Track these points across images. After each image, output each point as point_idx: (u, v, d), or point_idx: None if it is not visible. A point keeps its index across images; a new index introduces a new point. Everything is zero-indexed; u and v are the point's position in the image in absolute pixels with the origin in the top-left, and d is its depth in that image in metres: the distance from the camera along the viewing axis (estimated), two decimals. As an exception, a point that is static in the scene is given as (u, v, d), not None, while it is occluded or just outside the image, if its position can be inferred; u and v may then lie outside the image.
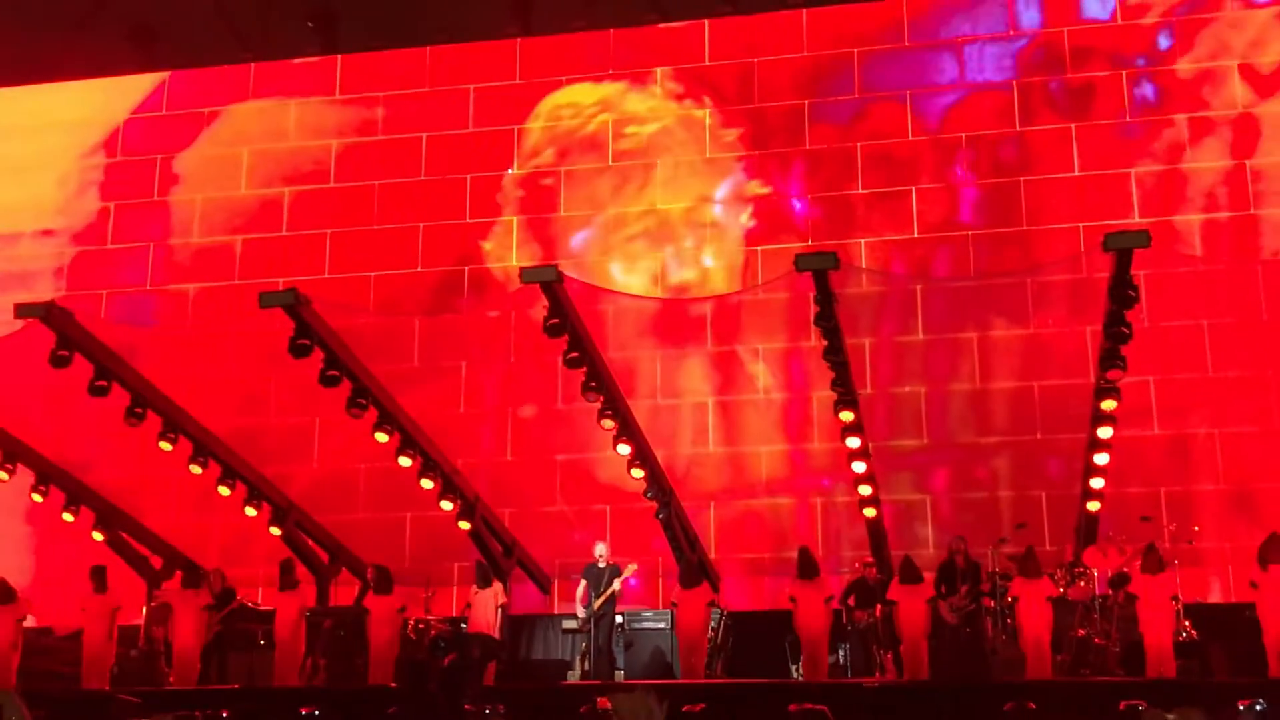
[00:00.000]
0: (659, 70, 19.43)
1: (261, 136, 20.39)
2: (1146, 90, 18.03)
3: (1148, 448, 16.75)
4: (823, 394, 15.69)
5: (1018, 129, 18.22)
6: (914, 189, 18.31)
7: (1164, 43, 18.12)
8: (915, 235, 18.19)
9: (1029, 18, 18.63)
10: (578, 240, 19.18)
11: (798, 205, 18.63)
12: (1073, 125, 18.05)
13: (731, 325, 18.37)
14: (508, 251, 19.27)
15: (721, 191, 18.96)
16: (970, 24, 18.74)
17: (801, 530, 17.29)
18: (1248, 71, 17.75)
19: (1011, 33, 18.62)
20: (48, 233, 20.73)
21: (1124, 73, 18.07)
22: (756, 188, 18.81)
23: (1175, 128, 17.79)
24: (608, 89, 19.53)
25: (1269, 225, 17.30)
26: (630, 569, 15.45)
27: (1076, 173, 17.93)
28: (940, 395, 17.61)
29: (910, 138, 18.48)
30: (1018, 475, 17.20)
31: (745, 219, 18.80)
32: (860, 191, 18.45)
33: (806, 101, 18.86)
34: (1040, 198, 17.91)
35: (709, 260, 18.82)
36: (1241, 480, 16.58)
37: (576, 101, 19.61)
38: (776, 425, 18.05)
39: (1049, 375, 17.27)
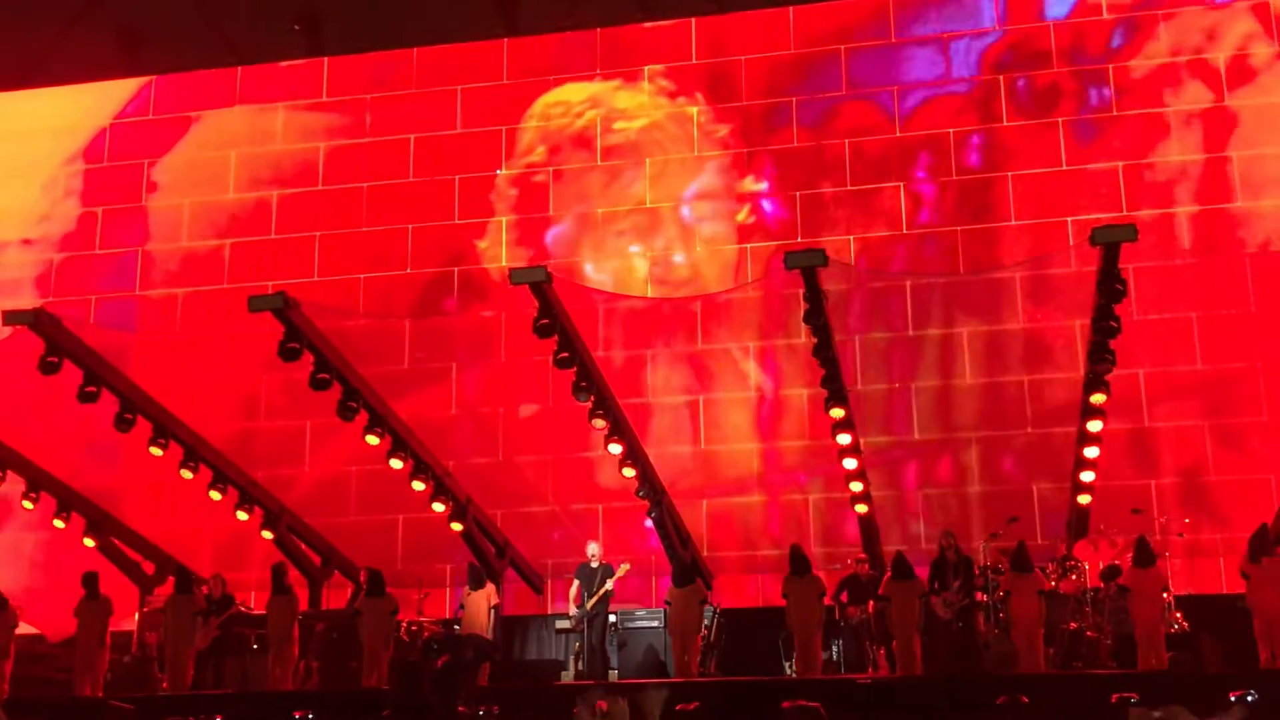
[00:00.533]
0: (647, 69, 19.43)
1: (249, 140, 20.36)
2: (1130, 84, 18.06)
3: (1138, 441, 16.80)
4: (813, 391, 15.71)
5: (1004, 123, 18.24)
6: (902, 186, 18.33)
7: (1147, 37, 18.14)
8: (905, 231, 18.22)
9: (1013, 13, 18.66)
10: (566, 239, 19.17)
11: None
12: (1059, 120, 18.08)
13: (721, 323, 18.38)
14: (498, 251, 19.27)
15: (710, 188, 18.96)
16: (956, 19, 18.77)
17: (793, 527, 17.31)
18: (1231, 64, 17.81)
19: (997, 28, 18.65)
20: (34, 239, 20.68)
21: (1110, 67, 18.11)
22: (749, 184, 18.80)
23: (1161, 121, 17.83)
24: (598, 87, 19.53)
25: (1254, 217, 17.34)
26: (623, 568, 15.46)
27: (1064, 167, 17.96)
28: (930, 390, 17.64)
29: (899, 134, 18.51)
30: (1008, 469, 17.24)
31: (735, 216, 18.81)
32: (849, 188, 18.46)
33: (794, 99, 18.88)
34: (1026, 192, 17.94)
35: (699, 258, 18.82)
36: (1231, 472, 16.62)
37: (566, 100, 19.61)
38: (767, 422, 18.06)
39: (1039, 369, 17.30)
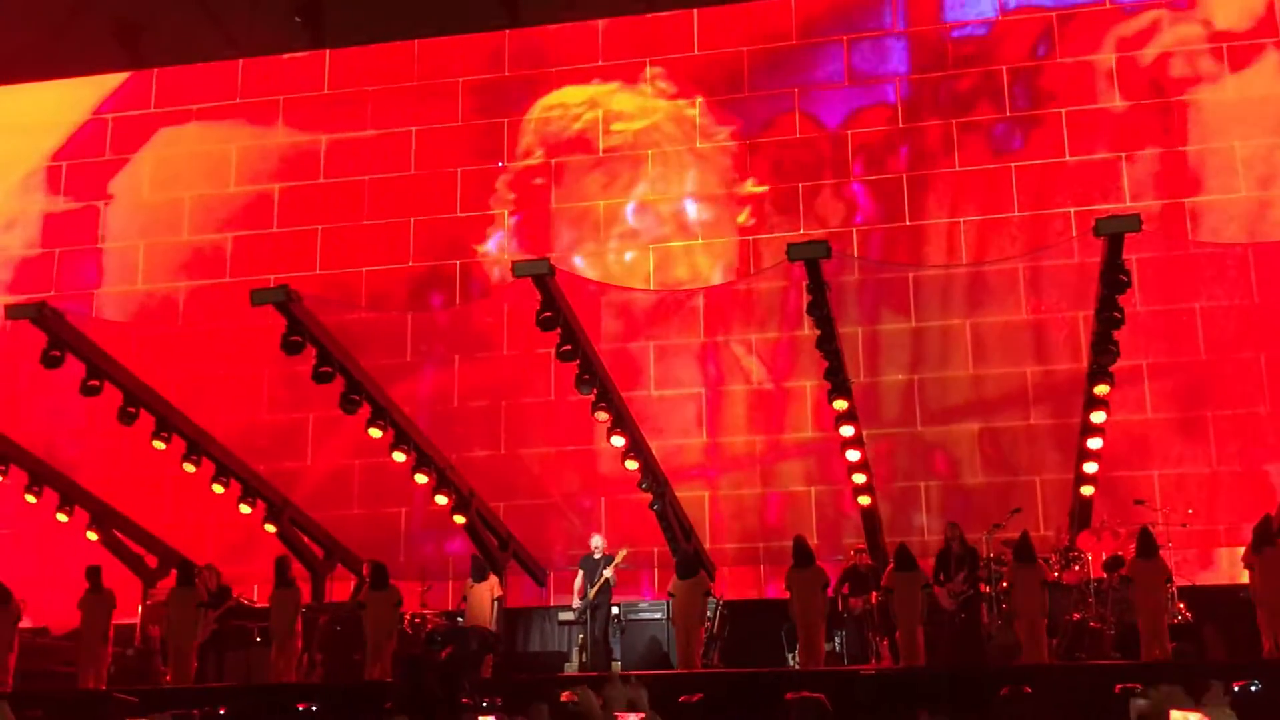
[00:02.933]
0: (649, 67, 19.37)
1: (250, 133, 20.34)
2: (1133, 74, 18.05)
3: (1141, 431, 16.80)
4: (816, 383, 15.71)
5: (1007, 114, 18.23)
6: (904, 176, 18.30)
7: (1145, 27, 18.13)
8: (908, 223, 18.19)
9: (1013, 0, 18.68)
10: (566, 238, 19.14)
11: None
12: (1062, 110, 18.06)
13: (723, 316, 18.38)
14: (500, 245, 19.26)
15: (709, 186, 18.94)
16: (958, 8, 18.76)
17: (796, 519, 17.32)
18: (1233, 54, 17.81)
19: (999, 17, 18.63)
20: (31, 233, 20.67)
21: (1113, 56, 18.09)
22: (749, 183, 18.77)
23: (1163, 112, 17.83)
24: (599, 87, 19.48)
25: (1263, 208, 17.35)
26: (621, 554, 15.42)
27: (1067, 158, 17.94)
28: (933, 382, 17.64)
29: (900, 125, 18.48)
30: (1011, 461, 17.24)
31: (734, 212, 18.79)
32: (851, 179, 18.47)
33: (795, 89, 18.86)
34: (1030, 183, 17.93)
35: (701, 253, 18.81)
36: (1234, 462, 16.62)
37: (565, 101, 19.56)
38: (770, 415, 18.06)
39: (1041, 360, 17.30)
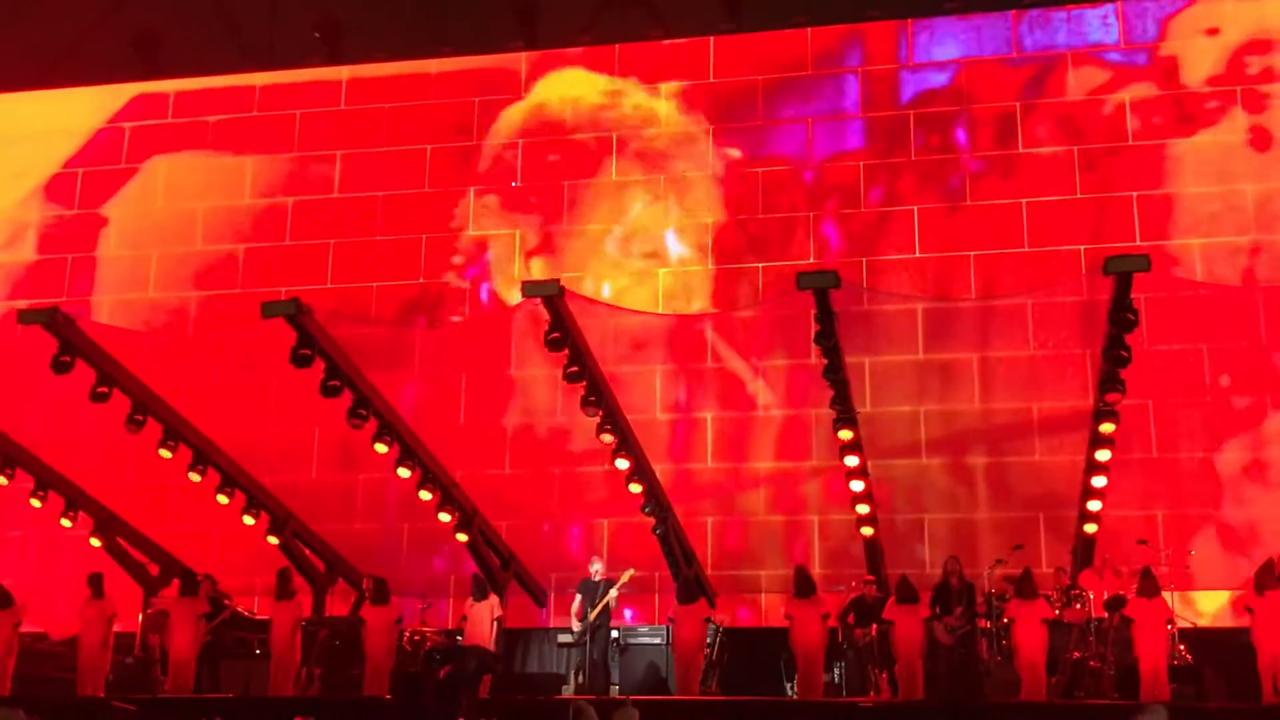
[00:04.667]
0: (663, 87, 19.47)
1: (265, 146, 20.42)
2: (1148, 112, 18.11)
3: (1145, 471, 16.78)
4: (821, 411, 15.71)
5: (1019, 150, 18.28)
6: (915, 209, 18.34)
7: (1164, 65, 18.19)
8: (916, 255, 18.22)
9: (1031, 40, 18.72)
10: (578, 256, 19.19)
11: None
12: (1075, 148, 18.11)
13: (731, 342, 18.41)
14: (510, 265, 19.32)
15: (724, 208, 19.00)
16: (976, 46, 18.84)
17: (798, 548, 17.32)
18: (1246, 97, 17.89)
19: (1015, 55, 18.70)
20: (47, 239, 20.77)
21: (1126, 97, 18.15)
22: (768, 209, 18.81)
23: (1174, 150, 17.87)
24: (615, 109, 19.55)
25: (1267, 251, 17.38)
26: (627, 574, 15.34)
27: (1078, 195, 17.98)
28: (939, 415, 17.64)
29: (913, 157, 18.54)
30: (1015, 497, 17.22)
31: (733, 240, 18.82)
32: (863, 210, 18.52)
33: (810, 121, 18.93)
34: (1040, 220, 17.96)
35: (711, 277, 18.84)
36: (1238, 505, 16.60)
37: (579, 120, 19.64)
38: (775, 442, 18.06)
39: (1047, 397, 17.30)
